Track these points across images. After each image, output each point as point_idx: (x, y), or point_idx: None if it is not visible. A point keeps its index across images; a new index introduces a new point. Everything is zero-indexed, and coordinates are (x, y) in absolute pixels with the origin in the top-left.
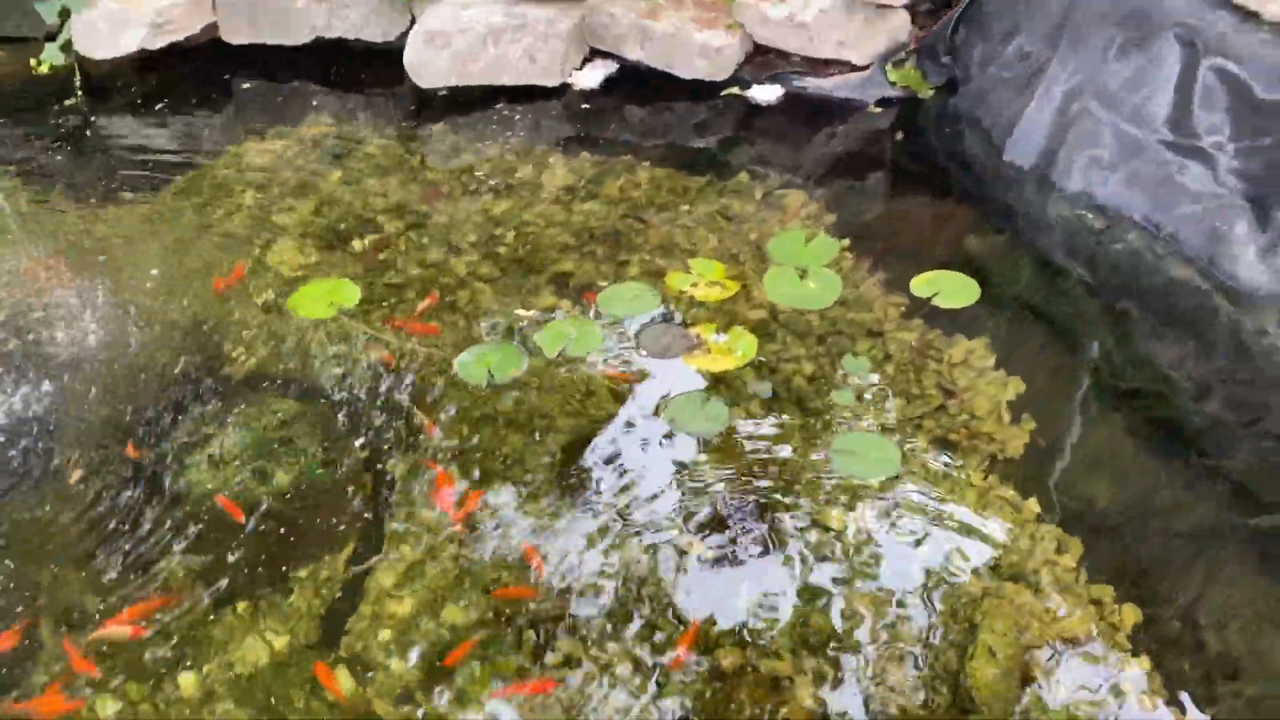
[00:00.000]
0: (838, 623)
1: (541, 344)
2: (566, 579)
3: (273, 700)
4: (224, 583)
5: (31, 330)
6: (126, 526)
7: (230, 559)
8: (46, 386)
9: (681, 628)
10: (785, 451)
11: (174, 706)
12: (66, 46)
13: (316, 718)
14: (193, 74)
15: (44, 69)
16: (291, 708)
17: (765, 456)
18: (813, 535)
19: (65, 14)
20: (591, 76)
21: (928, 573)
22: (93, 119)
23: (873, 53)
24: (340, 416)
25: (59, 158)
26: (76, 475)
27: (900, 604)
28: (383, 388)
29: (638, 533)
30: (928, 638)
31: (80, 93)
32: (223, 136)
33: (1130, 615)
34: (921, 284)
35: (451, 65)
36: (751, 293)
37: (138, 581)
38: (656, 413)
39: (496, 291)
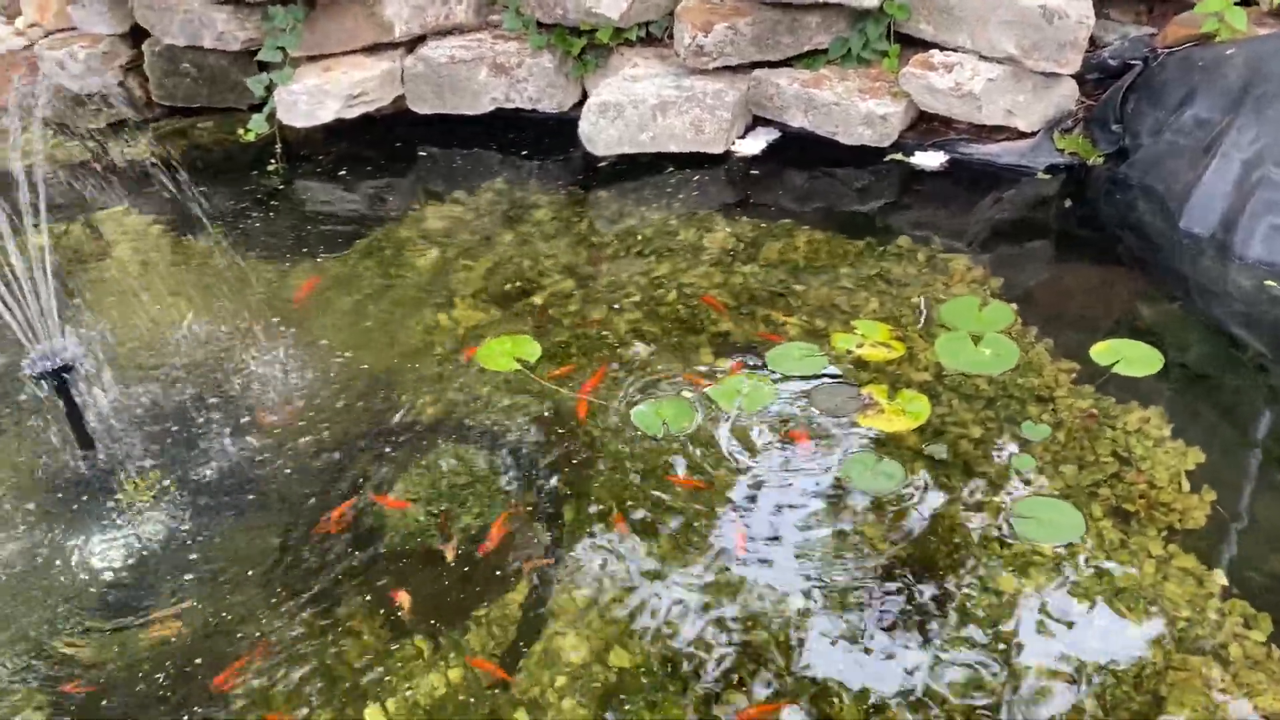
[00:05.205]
0: (1018, 691)
1: (716, 398)
2: (732, 636)
3: None
4: (406, 619)
5: (232, 379)
6: (319, 560)
7: (412, 597)
8: (247, 432)
9: (843, 695)
10: (959, 514)
11: None
12: (270, 117)
13: None
14: (380, 141)
15: (249, 137)
16: None
17: (938, 518)
18: (986, 600)
19: (271, 87)
20: (754, 144)
21: (1108, 641)
22: (289, 182)
23: (1040, 120)
24: (519, 464)
25: (259, 218)
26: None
27: (1080, 672)
28: (559, 437)
29: (811, 591)
30: (1111, 708)
31: (279, 158)
32: (405, 200)
33: None
34: (1102, 351)
35: (622, 134)
36: (916, 355)
37: (321, 613)
38: (829, 470)
39: (658, 349)
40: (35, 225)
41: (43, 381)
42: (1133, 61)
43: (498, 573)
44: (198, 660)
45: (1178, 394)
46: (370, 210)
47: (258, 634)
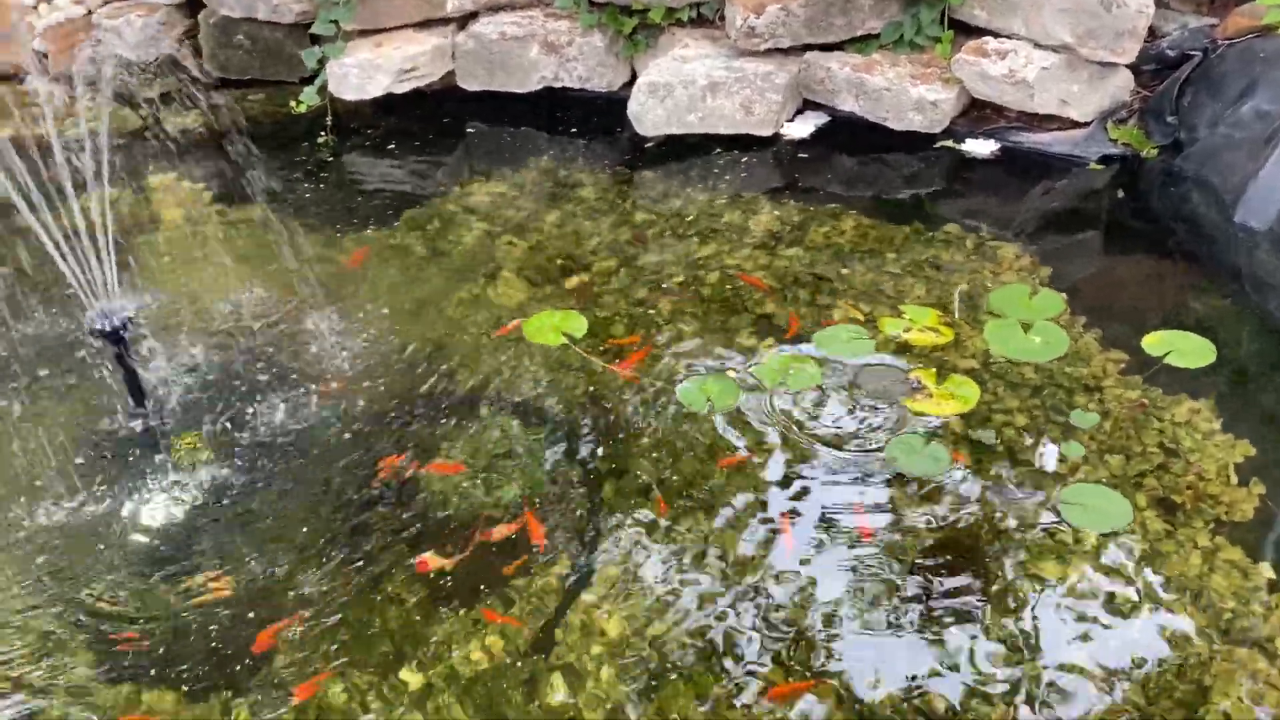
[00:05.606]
0: (1059, 677)
1: (761, 376)
2: (767, 615)
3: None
4: (446, 587)
5: (280, 348)
6: (359, 527)
7: (452, 565)
8: (293, 396)
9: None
10: (1006, 497)
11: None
12: (321, 89)
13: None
14: (429, 117)
15: (300, 109)
16: (509, 706)
17: (984, 501)
18: (1030, 586)
19: (323, 61)
20: (802, 127)
21: (1152, 630)
22: (338, 155)
23: (1094, 110)
24: (560, 436)
25: (308, 189)
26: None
27: (1123, 659)
28: (602, 411)
29: (850, 570)
30: (1154, 697)
31: (329, 131)
32: (452, 176)
33: None
34: (1154, 343)
35: (670, 115)
36: (963, 341)
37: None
38: (874, 451)
39: (700, 330)
40: (98, 188)
41: (101, 338)
42: (1191, 52)
43: (536, 545)
44: (250, 615)
45: (1229, 387)
46: (418, 184)
47: (304, 592)
